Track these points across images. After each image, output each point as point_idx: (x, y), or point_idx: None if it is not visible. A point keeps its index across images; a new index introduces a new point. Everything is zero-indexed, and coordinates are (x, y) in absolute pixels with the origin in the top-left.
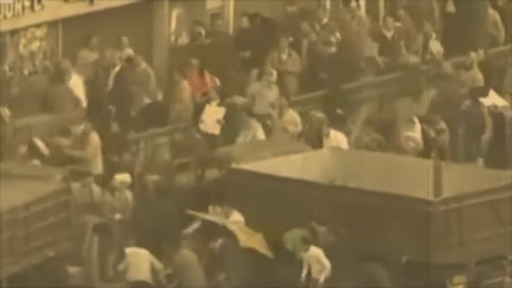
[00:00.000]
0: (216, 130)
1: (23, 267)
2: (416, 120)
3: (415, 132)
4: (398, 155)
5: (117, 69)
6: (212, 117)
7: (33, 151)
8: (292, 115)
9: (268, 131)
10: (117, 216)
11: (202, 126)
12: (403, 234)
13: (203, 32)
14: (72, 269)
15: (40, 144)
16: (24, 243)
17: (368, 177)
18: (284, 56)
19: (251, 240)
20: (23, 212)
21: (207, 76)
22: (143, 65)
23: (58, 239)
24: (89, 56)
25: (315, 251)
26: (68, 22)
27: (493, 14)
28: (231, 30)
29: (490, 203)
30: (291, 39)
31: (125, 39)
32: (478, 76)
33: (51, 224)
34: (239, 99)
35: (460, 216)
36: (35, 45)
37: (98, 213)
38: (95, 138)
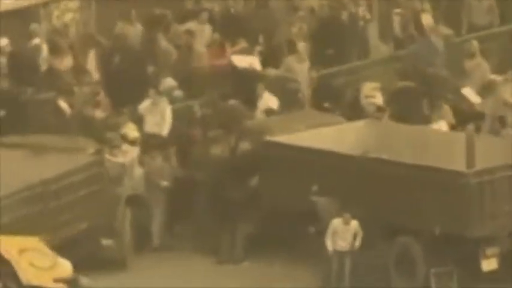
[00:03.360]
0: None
1: (55, 240)
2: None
3: (377, 99)
4: (432, 127)
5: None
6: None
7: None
8: None
9: (300, 104)
10: (164, 183)
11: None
12: (437, 207)
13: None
14: (105, 241)
15: (63, 105)
16: (56, 216)
17: (402, 150)
18: (294, 29)
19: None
20: (55, 184)
21: (228, 49)
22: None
23: (90, 211)
24: (127, 29)
25: (355, 224)
26: None
27: None
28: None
29: None
30: (301, 13)
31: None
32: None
33: (84, 197)
34: (272, 71)
35: (492, 188)
36: (68, 17)
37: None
38: (133, 150)
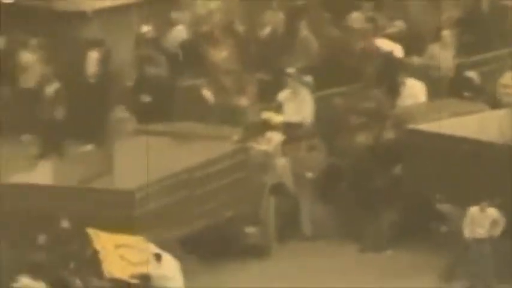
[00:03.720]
0: None
1: (199, 227)
2: None
3: None
4: None
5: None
6: None
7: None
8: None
9: (443, 92)
10: (309, 174)
11: None
12: None
13: None
14: (249, 229)
15: (207, 93)
16: (201, 204)
17: None
18: (443, 17)
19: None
20: (200, 172)
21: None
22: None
23: (235, 199)
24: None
25: (493, 211)
26: None
27: None
28: None
29: None
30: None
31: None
32: None
33: (228, 184)
34: (416, 59)
35: None
36: (213, 4)
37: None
38: (276, 137)
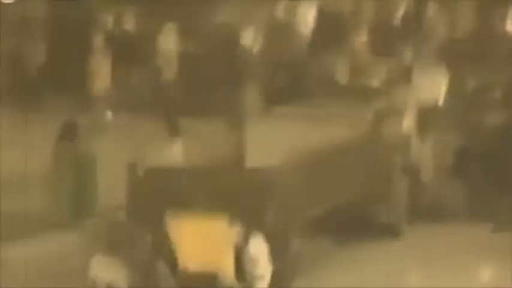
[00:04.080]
0: None
1: (331, 207)
2: None
3: None
4: None
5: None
6: None
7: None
8: None
9: None
10: (444, 155)
11: None
12: None
13: None
14: (381, 209)
15: (340, 75)
16: (332, 184)
17: None
18: None
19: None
20: (332, 152)
21: None
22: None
23: (367, 179)
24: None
25: None
26: None
27: None
28: None
29: None
30: None
31: None
32: None
33: (360, 164)
34: None
35: None
36: None
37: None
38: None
